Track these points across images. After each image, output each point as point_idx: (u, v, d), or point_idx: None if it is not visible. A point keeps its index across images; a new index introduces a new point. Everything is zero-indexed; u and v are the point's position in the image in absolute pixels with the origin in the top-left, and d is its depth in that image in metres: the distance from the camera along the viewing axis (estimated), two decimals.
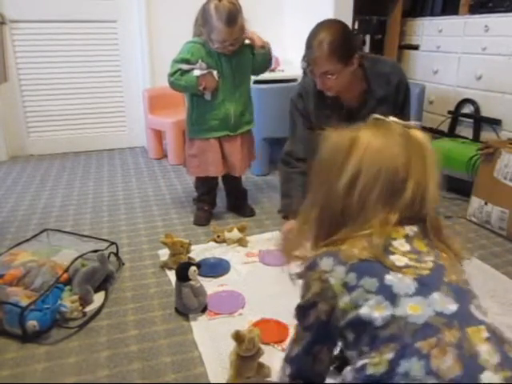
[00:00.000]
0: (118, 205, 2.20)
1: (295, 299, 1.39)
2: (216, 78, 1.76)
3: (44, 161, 2.97)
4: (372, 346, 0.65)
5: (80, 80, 3.03)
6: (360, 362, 0.66)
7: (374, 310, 0.66)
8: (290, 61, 3.15)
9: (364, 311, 0.67)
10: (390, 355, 0.63)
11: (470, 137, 2.29)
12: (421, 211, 0.74)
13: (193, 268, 1.33)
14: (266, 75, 2.67)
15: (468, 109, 2.36)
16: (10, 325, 1.23)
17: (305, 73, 1.72)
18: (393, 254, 0.71)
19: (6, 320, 1.24)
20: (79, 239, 1.73)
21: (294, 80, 2.60)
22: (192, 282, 1.32)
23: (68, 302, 1.32)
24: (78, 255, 1.47)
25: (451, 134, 2.57)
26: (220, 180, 2.06)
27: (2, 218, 2.05)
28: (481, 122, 2.28)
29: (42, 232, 1.75)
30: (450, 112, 2.59)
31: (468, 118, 2.35)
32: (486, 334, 0.63)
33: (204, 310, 1.35)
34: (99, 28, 2.99)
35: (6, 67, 2.84)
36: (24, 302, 1.24)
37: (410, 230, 0.74)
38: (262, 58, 1.88)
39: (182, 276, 1.33)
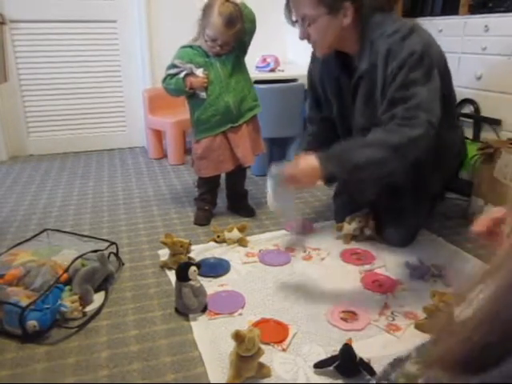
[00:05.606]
0: (118, 205, 2.20)
1: (295, 299, 1.40)
2: (200, 74, 1.77)
3: (44, 161, 2.97)
4: None
5: (80, 80, 3.03)
6: None
7: None
8: (290, 61, 3.16)
9: None
10: None
11: (470, 137, 2.29)
12: None
13: (193, 268, 1.33)
14: (266, 75, 2.68)
15: (468, 109, 2.35)
16: (10, 325, 1.23)
17: None
18: None
19: (6, 320, 1.24)
20: (79, 239, 1.73)
21: (294, 80, 2.60)
22: (192, 282, 1.32)
23: (68, 301, 1.32)
24: (78, 255, 1.47)
25: None
26: (222, 180, 2.06)
27: (2, 218, 2.05)
28: (481, 121, 2.28)
29: (42, 232, 1.75)
30: None
31: (468, 118, 2.34)
32: None
33: (204, 309, 1.35)
34: (99, 28, 2.99)
35: (6, 67, 2.83)
36: (24, 302, 1.24)
37: None
38: (249, 36, 1.81)
39: (182, 276, 1.33)
